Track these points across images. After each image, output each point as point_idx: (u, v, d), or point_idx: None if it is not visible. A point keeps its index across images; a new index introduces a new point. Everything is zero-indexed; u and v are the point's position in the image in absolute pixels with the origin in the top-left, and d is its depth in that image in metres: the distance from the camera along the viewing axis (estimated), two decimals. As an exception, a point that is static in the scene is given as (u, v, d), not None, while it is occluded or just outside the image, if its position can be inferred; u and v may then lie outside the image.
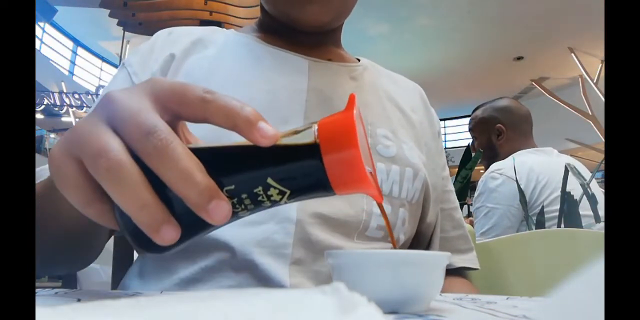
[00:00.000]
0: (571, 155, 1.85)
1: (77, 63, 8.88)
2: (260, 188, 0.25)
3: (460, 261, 0.63)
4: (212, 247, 0.47)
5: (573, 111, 6.59)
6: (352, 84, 0.61)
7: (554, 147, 1.55)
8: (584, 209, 1.21)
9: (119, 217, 0.25)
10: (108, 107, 0.25)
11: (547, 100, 7.21)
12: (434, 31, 7.23)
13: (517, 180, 1.31)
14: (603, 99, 0.45)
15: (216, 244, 0.47)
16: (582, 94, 6.64)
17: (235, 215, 0.26)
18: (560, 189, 1.23)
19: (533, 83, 7.37)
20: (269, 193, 0.25)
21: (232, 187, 0.25)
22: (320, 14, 0.56)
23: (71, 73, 8.67)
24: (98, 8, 5.90)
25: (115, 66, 9.14)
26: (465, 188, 1.78)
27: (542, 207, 1.26)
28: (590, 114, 6.47)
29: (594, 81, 6.62)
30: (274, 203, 0.26)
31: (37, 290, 0.33)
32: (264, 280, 0.45)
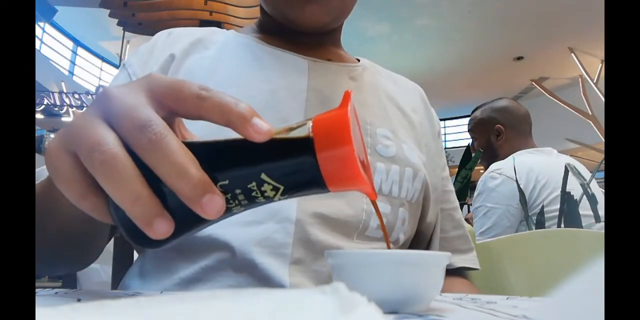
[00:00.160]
0: (571, 155, 1.85)
1: (77, 63, 8.87)
2: (254, 183, 0.25)
3: (460, 261, 0.63)
4: (212, 247, 0.47)
5: (573, 111, 6.59)
6: (351, 84, 0.61)
7: (554, 147, 1.55)
8: (584, 209, 1.21)
9: (113, 210, 0.25)
10: (104, 103, 0.25)
11: (547, 100, 7.21)
12: (434, 31, 7.23)
13: (516, 180, 1.31)
14: (603, 99, 0.45)
15: (216, 243, 0.47)
16: (582, 94, 6.64)
17: (229, 211, 0.26)
18: (559, 189, 1.24)
19: (533, 83, 7.37)
20: (262, 189, 0.25)
21: (226, 182, 0.25)
22: (320, 14, 0.56)
23: (71, 73, 8.66)
24: (98, 8, 5.90)
25: (115, 66, 9.14)
26: (465, 188, 1.78)
27: (542, 207, 1.26)
28: (590, 114, 6.47)
29: (594, 81, 6.63)
30: (268, 199, 0.26)
31: (37, 290, 0.34)
32: (263, 279, 0.45)
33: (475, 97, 7.24)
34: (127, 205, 0.23)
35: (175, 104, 0.26)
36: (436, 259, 0.31)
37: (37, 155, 0.31)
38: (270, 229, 0.48)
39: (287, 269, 0.46)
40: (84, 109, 0.27)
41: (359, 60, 0.68)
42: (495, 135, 1.58)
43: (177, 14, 5.87)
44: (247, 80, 0.55)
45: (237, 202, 0.26)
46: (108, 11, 5.92)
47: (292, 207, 0.49)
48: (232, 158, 0.25)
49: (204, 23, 5.67)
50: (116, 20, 6.17)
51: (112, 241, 0.65)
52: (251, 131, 0.25)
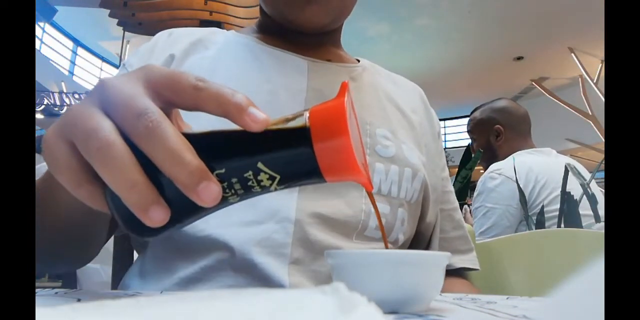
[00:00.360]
0: (571, 155, 1.85)
1: (77, 63, 8.87)
2: (250, 172, 0.25)
3: (460, 262, 0.63)
4: (212, 246, 0.47)
5: (573, 111, 6.59)
6: (351, 84, 0.61)
7: (554, 147, 1.55)
8: (584, 209, 1.21)
9: (109, 198, 0.26)
10: (101, 92, 0.26)
11: (547, 100, 7.22)
12: (434, 31, 7.23)
13: (516, 180, 1.31)
14: (603, 99, 0.45)
15: (216, 243, 0.47)
16: (582, 94, 6.64)
17: (225, 201, 0.26)
18: (559, 189, 1.24)
19: (533, 83, 7.37)
20: (259, 178, 0.25)
21: (223, 170, 0.25)
22: (319, 15, 0.56)
23: (71, 73, 8.66)
24: (98, 8, 5.90)
25: (116, 66, 9.14)
26: (465, 188, 1.78)
27: (542, 207, 1.26)
28: (590, 114, 6.47)
29: (594, 81, 6.63)
30: (264, 189, 0.26)
31: (37, 290, 0.34)
32: (263, 279, 0.45)
33: (475, 97, 7.24)
34: (123, 192, 0.23)
35: (172, 94, 0.26)
36: (436, 259, 0.31)
37: (37, 155, 0.31)
38: (270, 229, 0.48)
39: (286, 268, 0.46)
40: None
41: (359, 61, 0.68)
42: (495, 135, 1.58)
43: (177, 14, 5.87)
44: (247, 81, 0.55)
45: (233, 191, 0.26)
46: (108, 11, 5.92)
47: (292, 207, 0.49)
48: (229, 147, 0.25)
49: (204, 23, 5.67)
50: (116, 20, 6.17)
51: (112, 241, 0.65)
52: (247, 120, 0.25)
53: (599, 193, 1.32)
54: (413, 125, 0.63)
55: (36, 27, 7.09)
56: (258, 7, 0.65)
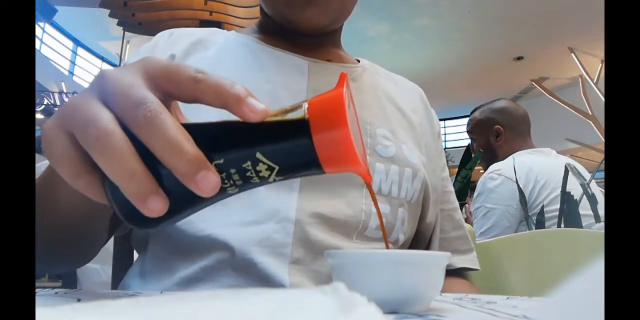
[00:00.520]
0: (571, 155, 1.85)
1: (77, 63, 8.87)
2: (249, 163, 0.25)
3: (460, 262, 0.63)
4: (212, 246, 0.47)
5: (573, 111, 6.59)
6: (351, 85, 0.61)
7: (554, 147, 1.55)
8: (584, 209, 1.21)
9: (108, 189, 0.25)
10: (100, 83, 0.26)
11: (547, 100, 7.21)
12: (434, 31, 7.22)
13: (516, 181, 1.31)
14: (603, 99, 0.45)
15: (216, 243, 0.47)
16: (582, 94, 6.63)
17: (223, 192, 0.26)
18: (559, 189, 1.24)
19: (533, 83, 7.37)
20: (257, 168, 0.25)
21: (221, 161, 0.25)
22: (319, 16, 0.56)
23: (71, 73, 8.65)
24: (98, 8, 5.89)
25: (116, 66, 9.13)
26: (465, 188, 1.78)
27: (542, 207, 1.26)
28: (590, 114, 6.47)
29: (594, 81, 6.62)
30: (263, 180, 0.26)
31: (37, 290, 0.33)
32: (263, 279, 0.45)
33: (475, 97, 7.24)
34: (121, 181, 0.23)
35: (171, 85, 0.26)
36: (436, 259, 0.31)
37: (37, 155, 0.32)
38: (270, 229, 0.48)
39: (286, 268, 0.46)
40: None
41: (359, 61, 0.68)
42: (495, 136, 1.58)
43: (177, 14, 5.86)
44: (247, 81, 0.55)
45: (232, 182, 0.26)
46: (108, 11, 5.92)
47: (292, 207, 0.49)
48: (227, 138, 0.25)
49: (204, 23, 5.66)
50: (116, 20, 6.16)
51: (112, 241, 0.65)
52: (246, 111, 0.25)
53: (599, 193, 1.32)
54: (413, 125, 0.63)
55: (36, 27, 7.08)
56: (258, 7, 0.65)
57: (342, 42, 0.69)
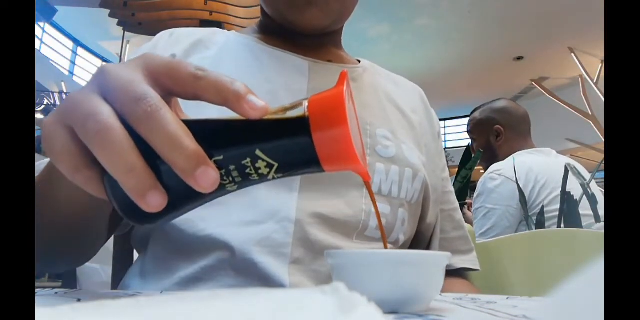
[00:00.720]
0: (571, 156, 1.85)
1: (77, 63, 8.86)
2: (248, 160, 0.25)
3: (460, 262, 0.63)
4: (212, 246, 0.47)
5: (573, 111, 6.58)
6: (352, 85, 0.61)
7: (553, 147, 1.55)
8: (584, 209, 1.21)
9: (107, 183, 0.25)
10: (100, 79, 0.26)
11: (547, 100, 7.21)
12: (434, 31, 7.22)
13: (516, 181, 1.31)
14: (603, 99, 0.45)
15: (216, 243, 0.47)
16: (582, 94, 6.63)
17: (222, 188, 0.26)
18: (559, 189, 1.24)
19: (533, 83, 7.36)
20: (257, 165, 0.25)
21: (221, 157, 0.25)
22: (320, 17, 0.56)
23: (71, 73, 8.65)
24: (98, 8, 5.89)
25: (115, 66, 9.09)
26: (465, 188, 1.78)
27: (542, 207, 1.26)
28: (590, 114, 6.47)
29: (594, 81, 6.62)
30: (262, 177, 0.26)
31: (37, 290, 0.33)
32: (263, 279, 0.45)
33: (475, 97, 7.23)
34: (121, 176, 0.23)
35: (171, 82, 0.26)
36: (436, 259, 0.31)
37: (37, 155, 0.32)
38: (270, 229, 0.48)
39: (286, 268, 0.46)
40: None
41: (359, 62, 0.68)
42: (495, 136, 1.58)
43: (177, 14, 5.86)
44: (248, 81, 0.55)
45: (231, 179, 0.26)
46: (108, 11, 5.92)
47: (292, 207, 0.49)
48: (227, 134, 0.25)
49: (204, 23, 5.66)
50: (116, 20, 6.16)
51: (112, 241, 0.65)
52: (246, 108, 0.25)
53: (599, 193, 1.32)
54: (413, 125, 0.63)
55: (36, 27, 7.08)
56: (258, 7, 0.65)
57: (343, 42, 0.69)
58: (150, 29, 5.86)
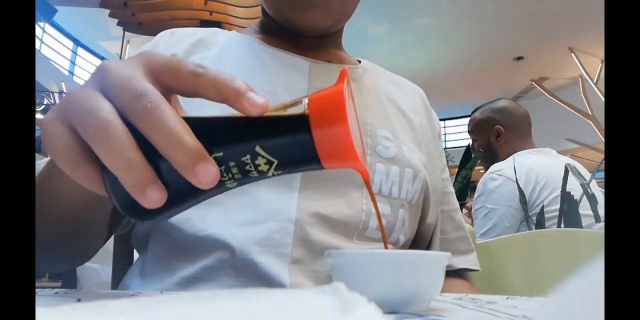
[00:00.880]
0: (571, 156, 1.85)
1: (77, 63, 8.86)
2: (248, 156, 0.25)
3: (460, 262, 0.63)
4: (212, 246, 0.47)
5: (573, 111, 6.59)
6: (352, 85, 0.61)
7: (554, 147, 1.55)
8: (584, 209, 1.21)
9: (106, 180, 0.25)
10: (101, 76, 0.26)
11: (547, 100, 7.21)
12: (434, 31, 7.22)
13: (516, 181, 1.31)
14: (603, 99, 0.45)
15: (216, 243, 0.47)
16: (582, 94, 6.63)
17: (222, 185, 0.26)
18: (559, 189, 1.24)
19: (533, 83, 7.37)
20: (256, 162, 0.25)
21: (221, 154, 0.25)
22: (321, 18, 0.56)
23: (71, 73, 8.65)
24: (98, 8, 5.89)
25: (115, 66, 9.09)
26: (465, 188, 1.78)
27: (542, 207, 1.26)
28: (590, 114, 6.47)
29: (594, 81, 6.62)
30: (262, 174, 0.26)
31: (37, 290, 0.33)
32: (264, 279, 0.45)
33: (475, 97, 7.23)
34: (120, 171, 0.23)
35: (171, 80, 0.26)
36: (436, 259, 0.31)
37: (37, 155, 0.32)
38: (270, 229, 0.48)
39: (287, 268, 0.46)
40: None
41: (360, 62, 0.68)
42: (495, 136, 1.58)
43: (177, 14, 5.86)
44: (248, 81, 0.55)
45: (230, 175, 0.26)
46: (108, 11, 5.92)
47: (292, 207, 0.49)
48: (227, 131, 0.26)
49: (204, 23, 5.66)
50: (116, 20, 6.16)
51: (112, 241, 0.65)
52: (246, 105, 0.25)
53: (599, 193, 1.32)
54: (413, 126, 0.63)
55: (36, 27, 7.08)
56: (258, 7, 0.66)
57: (343, 42, 0.69)
58: (150, 29, 5.86)
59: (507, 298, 0.39)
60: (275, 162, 0.26)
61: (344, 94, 0.25)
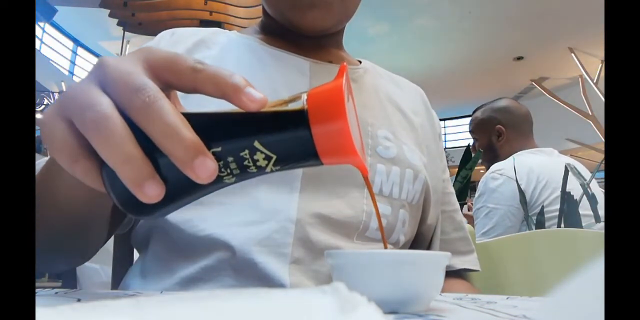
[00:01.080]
0: (571, 156, 1.85)
1: (77, 63, 8.86)
2: (246, 151, 0.25)
3: (460, 263, 0.63)
4: (213, 246, 0.47)
5: (573, 111, 6.59)
6: (352, 86, 0.61)
7: (554, 147, 1.55)
8: (584, 209, 1.21)
9: (105, 174, 0.25)
10: (99, 71, 0.26)
11: (547, 100, 7.21)
12: (434, 31, 7.22)
13: (517, 181, 1.31)
14: (603, 99, 0.45)
15: (216, 243, 0.47)
16: (582, 94, 6.64)
17: (220, 181, 0.26)
18: (559, 189, 1.24)
19: (533, 83, 7.37)
20: (255, 157, 0.25)
21: (219, 149, 0.25)
22: (322, 19, 0.56)
23: (71, 73, 8.65)
24: (98, 8, 5.89)
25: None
26: (465, 188, 1.78)
27: (542, 207, 1.26)
28: (590, 114, 6.47)
29: (594, 81, 6.63)
30: (260, 169, 0.26)
31: (37, 290, 0.34)
32: (264, 279, 0.45)
33: (475, 97, 7.23)
34: (118, 166, 0.23)
35: (170, 75, 0.26)
36: (436, 259, 0.31)
37: (37, 155, 0.32)
38: (270, 229, 0.48)
39: (287, 268, 0.46)
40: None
41: (360, 62, 0.68)
42: (496, 135, 1.58)
43: (177, 14, 5.86)
44: (249, 80, 0.55)
45: (229, 170, 0.26)
46: (108, 11, 5.92)
47: (292, 207, 0.49)
48: (226, 126, 0.26)
49: (204, 23, 5.66)
50: (116, 20, 6.16)
51: (112, 241, 0.65)
52: (245, 100, 0.25)
53: (599, 193, 1.32)
54: (414, 126, 0.63)
55: (36, 27, 7.08)
56: (258, 7, 0.66)
57: (343, 42, 0.69)
58: (150, 29, 5.86)
59: (507, 298, 0.39)
60: (274, 157, 0.25)
61: (343, 89, 0.25)
